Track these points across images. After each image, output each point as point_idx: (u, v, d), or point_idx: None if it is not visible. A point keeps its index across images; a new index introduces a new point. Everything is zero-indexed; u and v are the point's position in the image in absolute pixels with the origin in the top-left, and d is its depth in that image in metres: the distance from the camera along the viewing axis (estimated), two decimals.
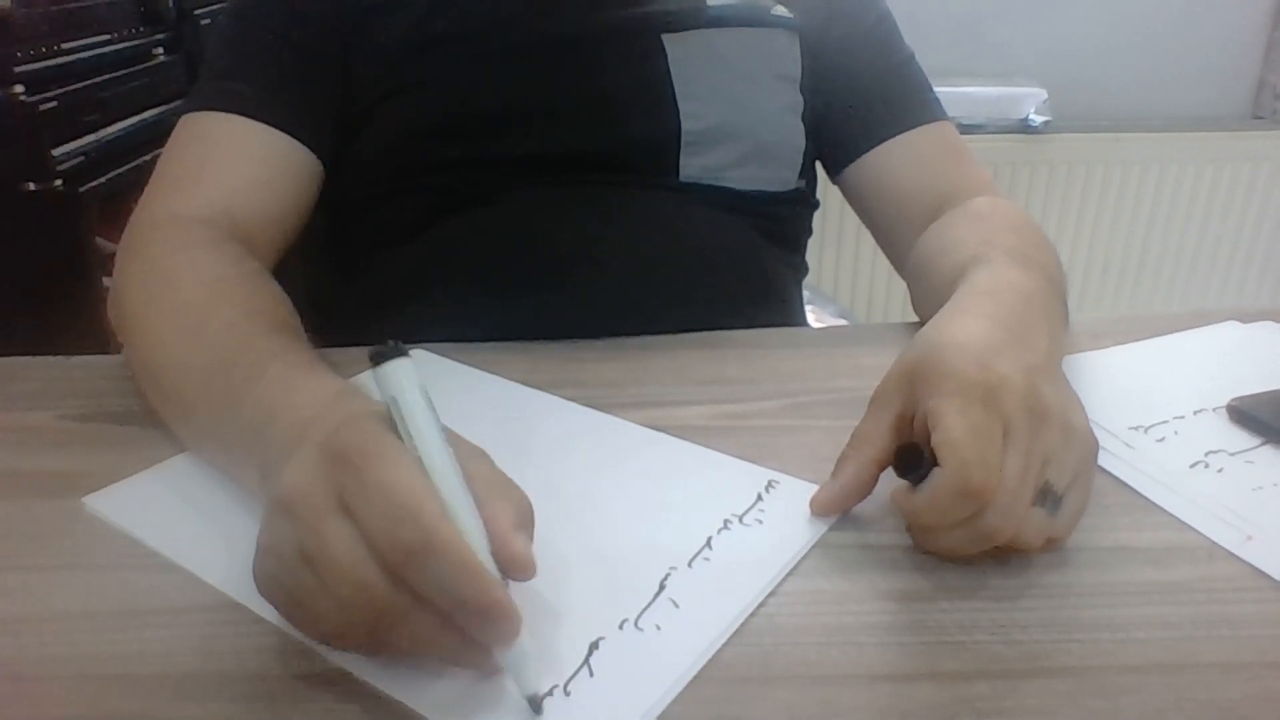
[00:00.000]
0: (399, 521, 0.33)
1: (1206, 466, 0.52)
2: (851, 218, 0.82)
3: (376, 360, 0.37)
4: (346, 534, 0.34)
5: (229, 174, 0.66)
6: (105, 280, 1.16)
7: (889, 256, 0.80)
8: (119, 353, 0.64)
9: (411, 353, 0.37)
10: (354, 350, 0.53)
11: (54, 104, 1.27)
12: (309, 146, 0.69)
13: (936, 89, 0.80)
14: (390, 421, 0.37)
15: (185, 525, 0.47)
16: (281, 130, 0.68)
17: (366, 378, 0.38)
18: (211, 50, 0.73)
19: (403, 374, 0.37)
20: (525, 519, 0.38)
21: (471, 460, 0.38)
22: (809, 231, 0.85)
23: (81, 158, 1.30)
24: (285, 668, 0.38)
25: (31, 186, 1.25)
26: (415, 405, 0.36)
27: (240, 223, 0.64)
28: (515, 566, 0.36)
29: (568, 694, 0.36)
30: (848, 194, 0.81)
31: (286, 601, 0.37)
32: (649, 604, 0.41)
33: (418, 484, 0.34)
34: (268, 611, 0.40)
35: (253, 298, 0.56)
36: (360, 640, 0.36)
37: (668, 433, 0.55)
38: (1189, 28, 1.96)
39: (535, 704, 0.35)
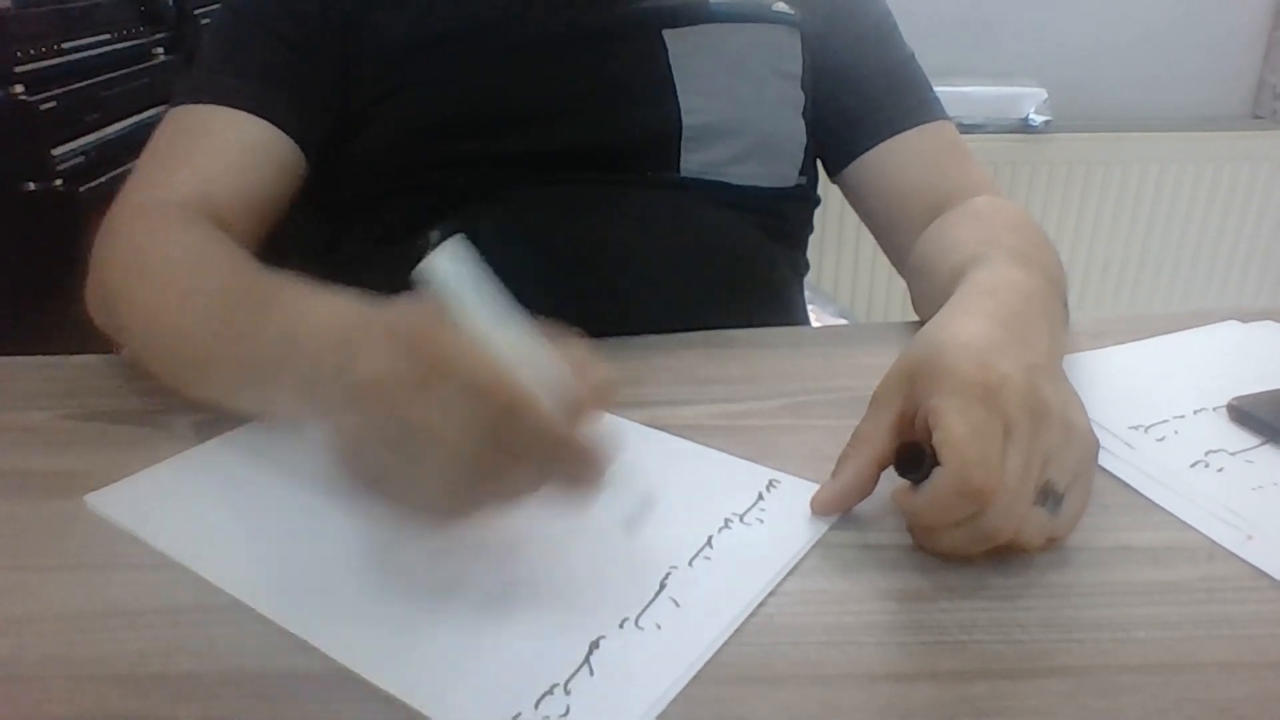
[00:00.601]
0: (483, 392, 0.36)
1: (1207, 466, 0.52)
2: (852, 217, 0.82)
3: (421, 254, 0.38)
4: (433, 408, 0.36)
5: (207, 160, 0.66)
6: None
7: (889, 256, 0.80)
8: (119, 352, 0.64)
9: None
10: None
11: (54, 104, 1.27)
12: (292, 137, 0.69)
13: (936, 89, 0.80)
14: (444, 303, 0.38)
15: (187, 523, 0.47)
16: (262, 118, 0.68)
17: None
18: (204, 45, 0.74)
19: (447, 260, 0.38)
20: (588, 357, 0.41)
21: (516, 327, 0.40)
22: (810, 228, 0.85)
23: (81, 157, 1.30)
24: (285, 667, 0.38)
25: (31, 186, 1.25)
26: (463, 284, 0.38)
27: (216, 206, 0.64)
28: (599, 396, 0.40)
29: (568, 692, 0.36)
30: (848, 193, 0.81)
31: (380, 485, 0.39)
32: (649, 603, 0.41)
33: (486, 356, 0.37)
34: (269, 609, 0.40)
35: (239, 259, 0.57)
36: (460, 500, 0.39)
37: (668, 432, 0.54)
38: (1189, 28, 1.96)
39: (629, 528, 0.42)
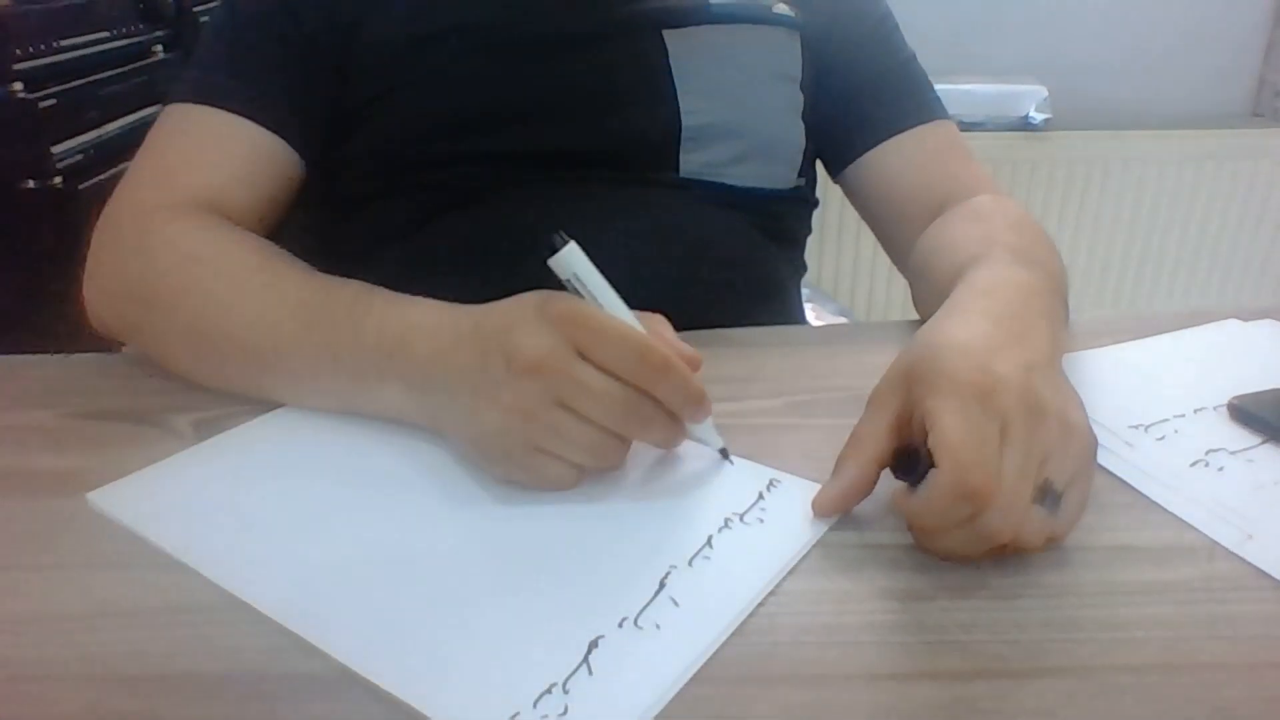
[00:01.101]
0: (642, 354, 0.45)
1: (1207, 465, 0.52)
2: (852, 216, 0.82)
3: (550, 251, 0.47)
4: (595, 374, 0.45)
5: (208, 168, 0.67)
6: None
7: (890, 255, 0.80)
8: (119, 350, 0.64)
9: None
10: None
11: (53, 101, 1.27)
12: (291, 144, 0.69)
13: (937, 87, 0.80)
14: (569, 293, 0.47)
15: (188, 521, 0.47)
16: (264, 127, 0.68)
17: None
18: (202, 42, 0.73)
19: (575, 256, 0.47)
20: (672, 331, 0.50)
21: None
22: (808, 230, 0.85)
23: (81, 155, 1.30)
24: (285, 668, 0.38)
25: (31, 184, 1.25)
26: (593, 275, 0.47)
27: (224, 213, 0.65)
28: (694, 362, 0.49)
29: (566, 692, 0.36)
30: (849, 193, 0.81)
31: (530, 454, 0.47)
32: (649, 602, 0.41)
33: (633, 327, 0.46)
34: (269, 607, 0.40)
35: (293, 259, 0.61)
36: (599, 459, 0.47)
37: None
38: (1189, 27, 1.96)
39: (725, 453, 0.51)
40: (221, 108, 0.67)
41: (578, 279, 0.47)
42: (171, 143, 0.68)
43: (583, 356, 0.45)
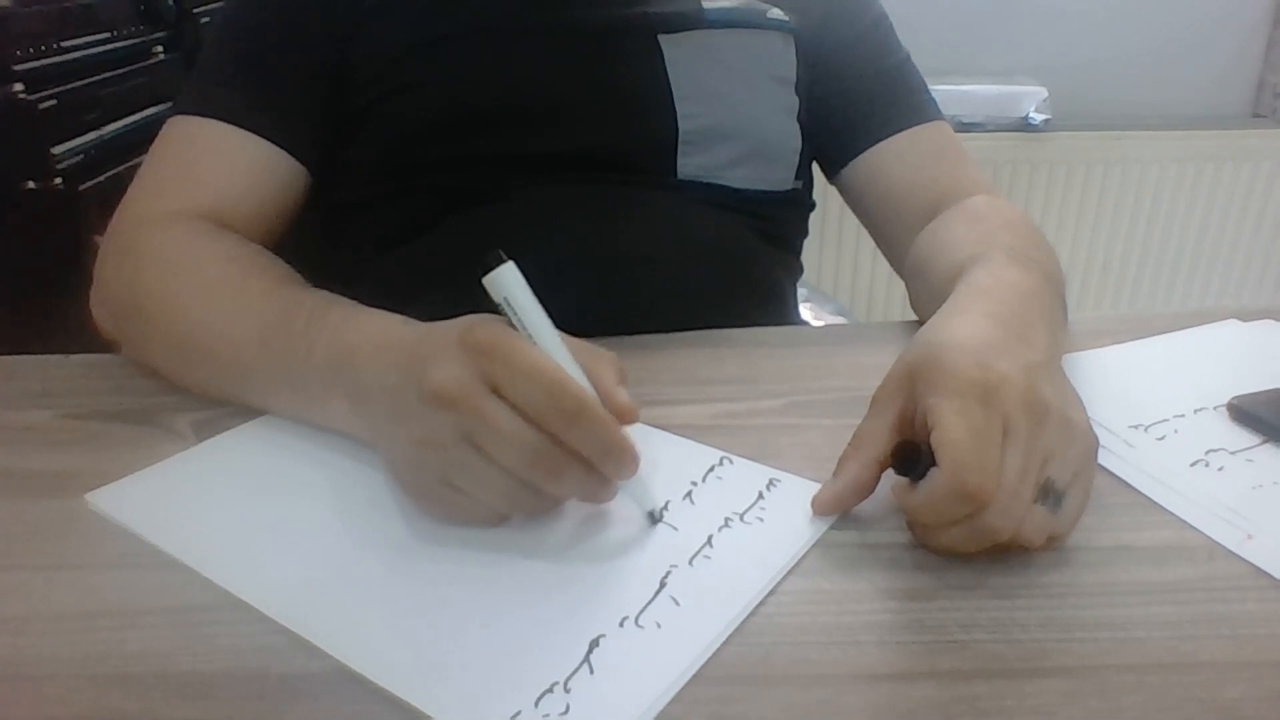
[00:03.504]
0: (556, 396, 0.41)
1: (1207, 465, 0.52)
2: (850, 218, 0.82)
3: (484, 270, 0.43)
4: (505, 411, 0.41)
5: (215, 181, 0.67)
6: None
7: (887, 256, 0.80)
8: (119, 351, 0.64)
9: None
10: None
11: (53, 102, 1.27)
12: (294, 154, 0.70)
13: (936, 88, 0.80)
14: (504, 318, 0.43)
15: (187, 522, 0.47)
16: (267, 139, 0.68)
17: None
18: (204, 52, 0.73)
19: (510, 277, 0.43)
20: (621, 375, 0.46)
21: (565, 339, 0.45)
22: (805, 233, 0.85)
23: (81, 156, 1.30)
24: (285, 667, 0.38)
25: (31, 185, 1.25)
26: (526, 301, 0.43)
27: (227, 226, 0.65)
28: (626, 412, 0.44)
29: (568, 691, 0.36)
30: (845, 194, 0.81)
31: (440, 488, 0.44)
32: (649, 602, 0.41)
33: (554, 365, 0.42)
34: (268, 608, 0.40)
35: (274, 267, 0.61)
36: (512, 503, 0.44)
37: (668, 431, 0.54)
38: (1189, 27, 1.96)
39: (654, 516, 0.46)
40: (221, 120, 0.68)
41: (509, 304, 0.43)
42: (174, 156, 0.69)
43: (496, 392, 0.41)
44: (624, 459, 0.43)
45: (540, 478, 0.42)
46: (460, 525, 0.45)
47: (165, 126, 0.69)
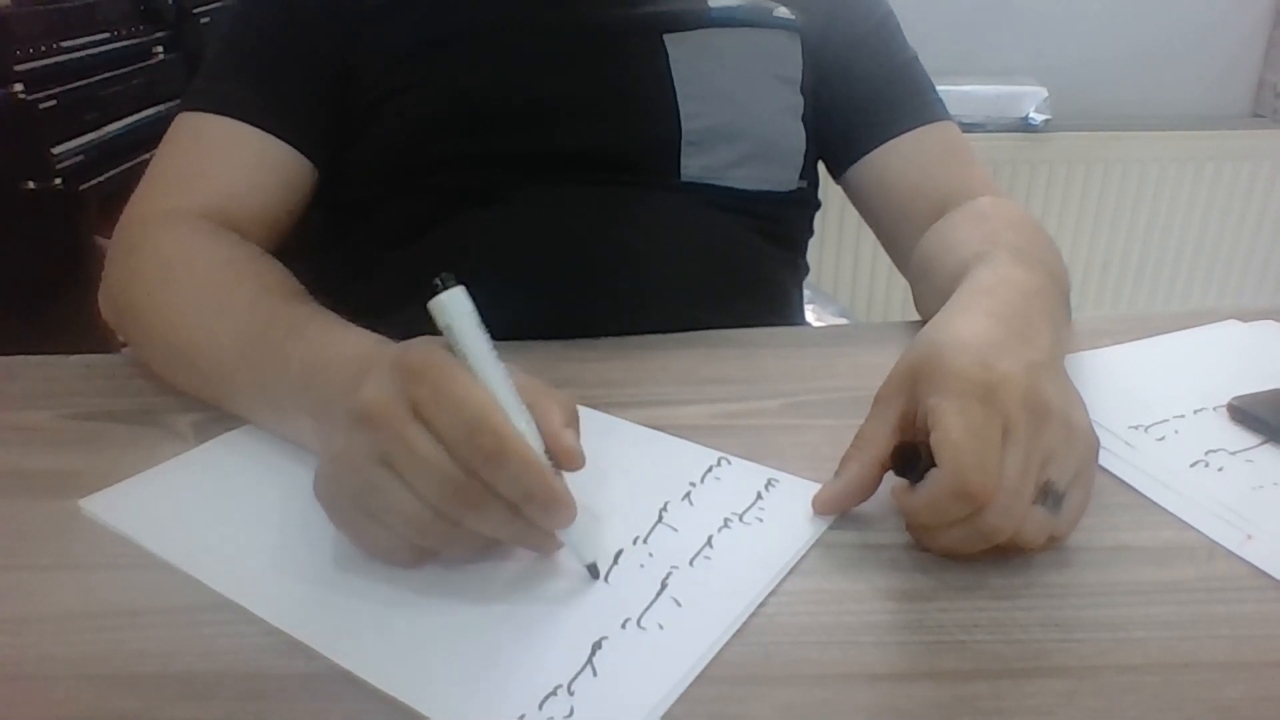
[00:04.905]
0: (475, 430, 0.38)
1: (1207, 465, 0.52)
2: (853, 217, 0.82)
3: (431, 293, 0.41)
4: (426, 435, 0.39)
5: (223, 177, 0.67)
6: None
7: (892, 256, 0.80)
8: (119, 352, 0.64)
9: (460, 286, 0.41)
10: None
11: (53, 103, 1.27)
12: (302, 151, 0.70)
13: (937, 88, 0.80)
14: (448, 344, 0.41)
15: (182, 527, 0.47)
16: (275, 135, 0.68)
17: None
18: (211, 49, 0.74)
19: (456, 303, 0.41)
20: (571, 417, 0.43)
21: (514, 373, 0.42)
22: (810, 232, 0.85)
23: (81, 156, 1.30)
24: (285, 667, 0.38)
25: (31, 185, 1.25)
26: (469, 329, 0.41)
27: (233, 221, 0.65)
28: (568, 458, 0.41)
29: (571, 693, 0.36)
30: (851, 194, 0.81)
31: (354, 511, 0.41)
32: (651, 603, 0.41)
33: (484, 397, 0.39)
34: (267, 611, 0.40)
35: (266, 274, 0.59)
36: (429, 535, 0.40)
37: (668, 432, 0.54)
38: (1189, 27, 1.96)
39: (594, 570, 0.42)
40: (230, 116, 0.68)
41: (451, 331, 0.41)
42: (180, 152, 0.69)
43: (420, 417, 0.39)
44: (550, 506, 0.40)
45: (456, 510, 0.39)
46: (378, 560, 0.42)
47: (174, 123, 0.70)
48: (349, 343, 0.49)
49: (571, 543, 0.42)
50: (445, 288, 0.41)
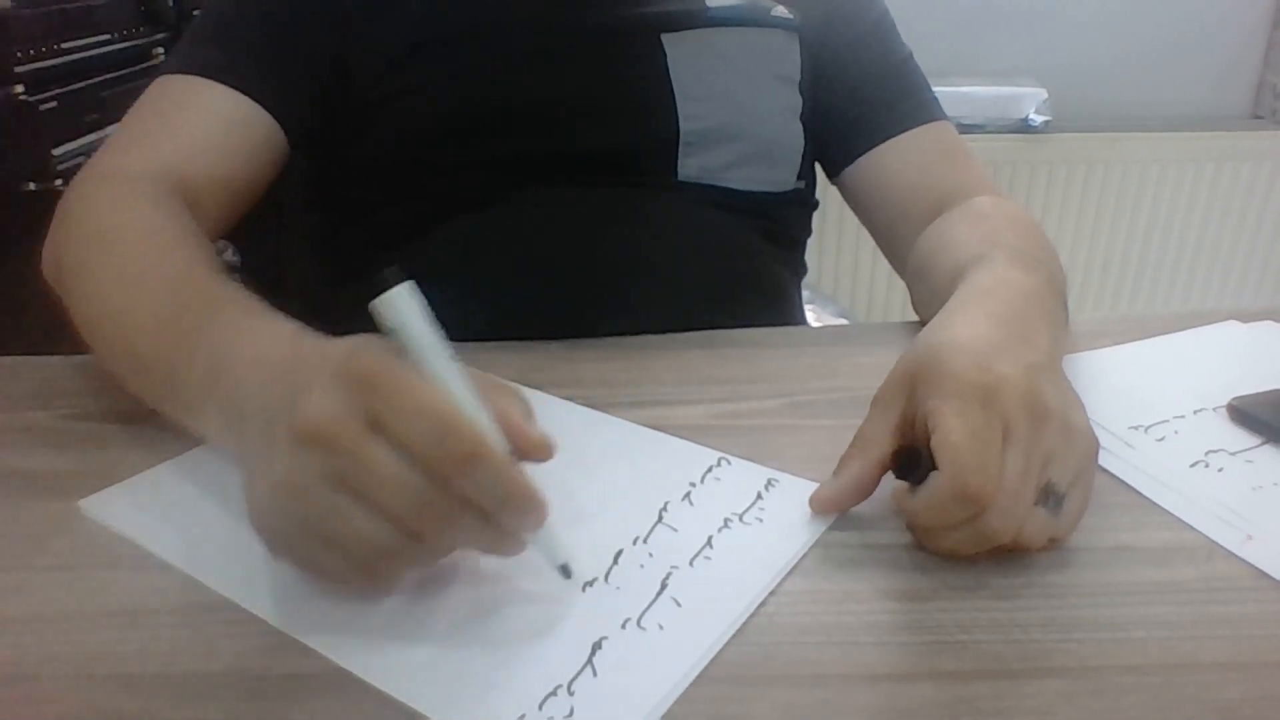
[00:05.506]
0: (444, 437, 0.35)
1: (1206, 466, 0.52)
2: (851, 218, 0.82)
3: (378, 290, 0.38)
4: (386, 452, 0.35)
5: (183, 133, 0.65)
6: None
7: (888, 257, 0.80)
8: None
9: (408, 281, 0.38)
10: None
11: (54, 104, 1.27)
12: (275, 116, 0.68)
13: (937, 89, 0.80)
14: (393, 344, 0.38)
15: (181, 528, 0.46)
16: (245, 94, 0.67)
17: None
18: (195, 22, 0.73)
19: (404, 301, 0.38)
20: (529, 410, 0.41)
21: (467, 371, 0.39)
22: (808, 232, 0.85)
23: (82, 158, 1.30)
24: (285, 667, 0.38)
25: (32, 186, 1.25)
26: (421, 327, 0.38)
27: (189, 182, 0.63)
28: (537, 449, 0.40)
29: (571, 694, 0.36)
30: (847, 195, 0.81)
31: (303, 540, 0.37)
32: (651, 603, 0.41)
33: (446, 400, 0.36)
34: (267, 612, 0.40)
35: (195, 250, 0.56)
36: (389, 559, 0.37)
37: (667, 432, 0.54)
38: (1189, 28, 1.96)
39: (566, 571, 0.41)
40: (201, 75, 0.67)
41: (402, 331, 0.38)
42: (146, 113, 0.67)
43: (378, 429, 0.36)
44: (526, 508, 0.37)
45: (427, 527, 0.37)
46: (327, 584, 0.40)
47: (149, 87, 0.69)
48: (261, 336, 0.44)
49: (541, 544, 0.40)
50: (391, 284, 0.37)
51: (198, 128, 0.66)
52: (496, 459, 0.36)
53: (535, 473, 0.40)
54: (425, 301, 0.38)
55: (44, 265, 0.61)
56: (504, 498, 0.37)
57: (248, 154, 0.68)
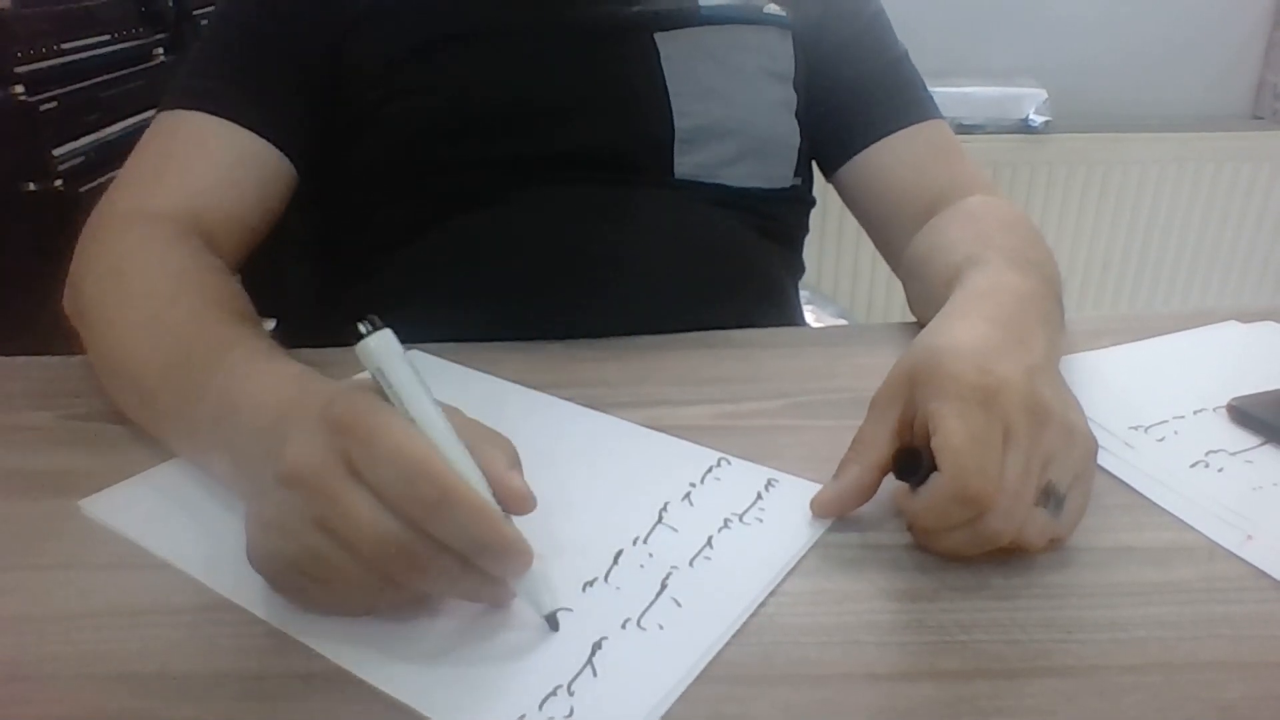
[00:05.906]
0: (415, 480, 0.35)
1: (1207, 466, 0.52)
2: (851, 218, 0.82)
3: (358, 338, 0.38)
4: (363, 496, 0.36)
5: (196, 173, 0.66)
6: None
7: (884, 255, 0.80)
8: None
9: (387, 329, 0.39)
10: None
11: (54, 104, 1.27)
12: (281, 149, 0.69)
13: (937, 89, 0.80)
14: (379, 389, 0.38)
15: (180, 530, 0.46)
16: (252, 131, 0.67)
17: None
18: (194, 47, 0.73)
19: (385, 345, 0.38)
20: (514, 459, 0.40)
21: (453, 415, 0.40)
22: (805, 229, 0.85)
23: (81, 158, 1.30)
24: (285, 668, 0.38)
25: (32, 186, 1.25)
26: (401, 371, 0.38)
27: (204, 221, 0.64)
28: (517, 501, 0.39)
29: (571, 694, 0.36)
30: (842, 193, 0.81)
31: (294, 576, 0.39)
32: (651, 603, 0.41)
33: (422, 444, 0.36)
34: (267, 612, 0.40)
35: (212, 290, 0.57)
36: (376, 597, 0.38)
37: (667, 432, 0.54)
38: (1189, 28, 1.96)
39: (552, 622, 0.39)
40: (208, 112, 0.67)
41: (382, 375, 0.38)
42: (156, 148, 0.68)
43: (356, 474, 0.36)
44: (505, 554, 0.37)
45: (401, 572, 0.37)
46: (323, 615, 0.40)
47: (153, 122, 0.69)
48: (267, 381, 0.46)
49: (527, 592, 0.39)
50: (372, 331, 0.38)
51: (208, 168, 0.66)
52: (470, 502, 0.36)
53: (535, 473, 0.40)
54: (402, 349, 0.39)
55: (64, 301, 0.62)
56: (479, 542, 0.36)
57: (259, 190, 0.68)
